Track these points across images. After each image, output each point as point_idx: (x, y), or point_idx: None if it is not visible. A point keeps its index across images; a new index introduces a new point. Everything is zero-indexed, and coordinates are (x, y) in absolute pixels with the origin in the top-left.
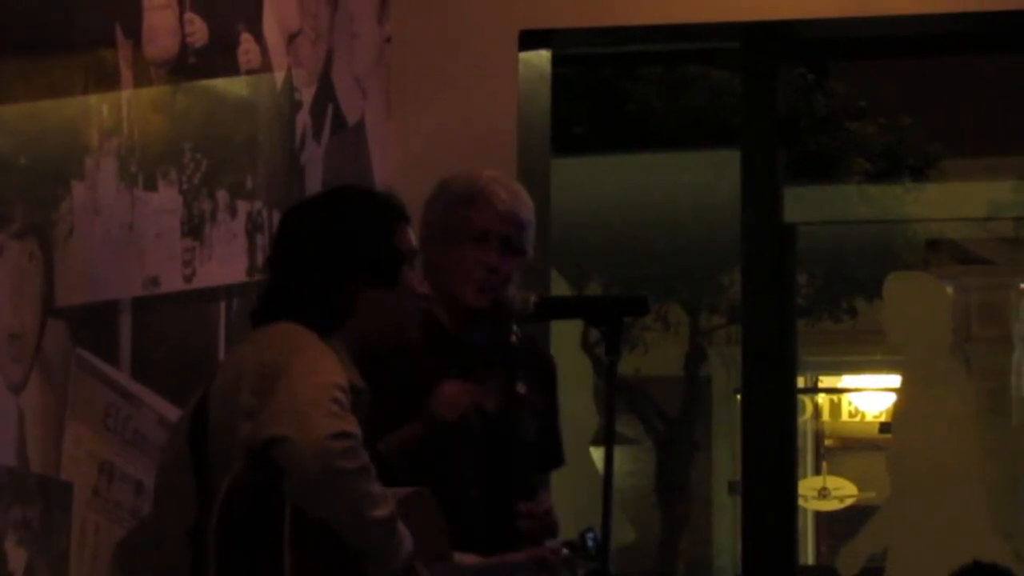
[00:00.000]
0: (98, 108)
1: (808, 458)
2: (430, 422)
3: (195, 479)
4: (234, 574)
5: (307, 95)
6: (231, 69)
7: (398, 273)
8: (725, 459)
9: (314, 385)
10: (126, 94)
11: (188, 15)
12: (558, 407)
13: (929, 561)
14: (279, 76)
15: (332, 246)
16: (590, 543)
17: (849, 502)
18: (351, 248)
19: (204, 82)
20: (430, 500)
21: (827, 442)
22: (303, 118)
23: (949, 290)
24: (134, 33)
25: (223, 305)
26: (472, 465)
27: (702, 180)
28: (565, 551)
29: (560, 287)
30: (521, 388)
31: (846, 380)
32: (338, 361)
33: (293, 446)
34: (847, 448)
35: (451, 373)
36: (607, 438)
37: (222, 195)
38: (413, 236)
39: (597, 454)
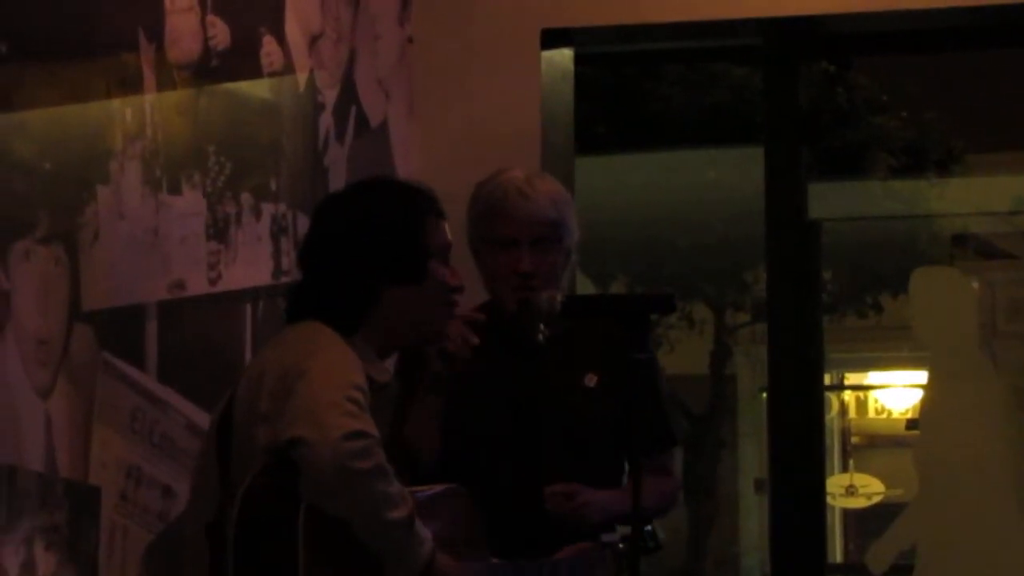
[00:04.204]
0: (122, 112)
1: (835, 456)
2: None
3: (219, 479)
4: (250, 571)
5: (330, 97)
6: (254, 71)
7: (424, 269)
8: (752, 457)
9: (331, 386)
10: (149, 98)
11: (210, 18)
12: (660, 391)
13: (958, 558)
14: (302, 78)
15: (354, 243)
16: (649, 539)
17: (877, 499)
18: (373, 245)
19: (227, 85)
20: (463, 497)
21: (854, 439)
22: (326, 120)
23: (975, 285)
24: (157, 36)
25: (249, 308)
26: (502, 462)
27: (725, 177)
28: (621, 545)
29: (585, 286)
30: (591, 380)
31: (872, 377)
32: (357, 359)
33: (309, 447)
34: (874, 445)
35: (513, 366)
36: (632, 440)
37: (246, 198)
38: (447, 229)
39: None
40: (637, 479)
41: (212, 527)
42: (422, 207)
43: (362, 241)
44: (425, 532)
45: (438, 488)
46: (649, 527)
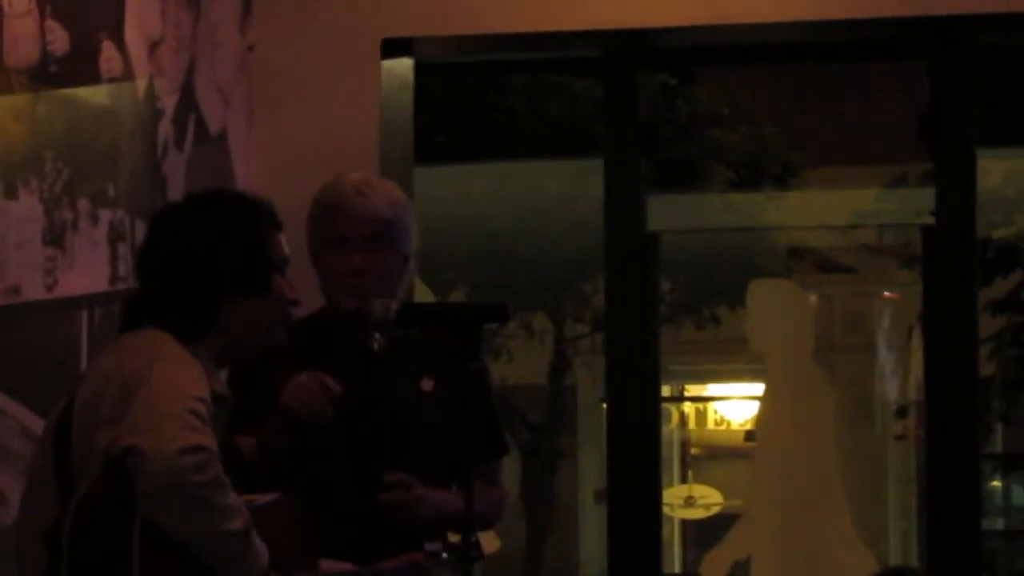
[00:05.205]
0: None
1: (674, 467)
2: (284, 418)
3: (57, 487)
4: None
5: (169, 104)
6: (92, 77)
7: (268, 282)
8: (591, 468)
9: (173, 396)
10: None
11: (49, 23)
12: (491, 401)
13: (791, 568)
14: (141, 84)
15: (198, 254)
16: (473, 549)
17: (715, 510)
18: (218, 257)
19: (65, 90)
20: (291, 507)
21: (693, 450)
22: (165, 127)
23: (812, 298)
24: None
25: (85, 314)
26: (336, 465)
27: (565, 189)
28: (445, 555)
29: (424, 295)
30: (427, 385)
31: (712, 388)
32: (201, 370)
33: (145, 458)
34: (713, 456)
35: (348, 372)
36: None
37: (84, 204)
38: (285, 243)
39: None
40: (468, 485)
41: (50, 534)
42: (264, 219)
43: (207, 253)
44: (261, 545)
45: (267, 497)
46: (475, 538)
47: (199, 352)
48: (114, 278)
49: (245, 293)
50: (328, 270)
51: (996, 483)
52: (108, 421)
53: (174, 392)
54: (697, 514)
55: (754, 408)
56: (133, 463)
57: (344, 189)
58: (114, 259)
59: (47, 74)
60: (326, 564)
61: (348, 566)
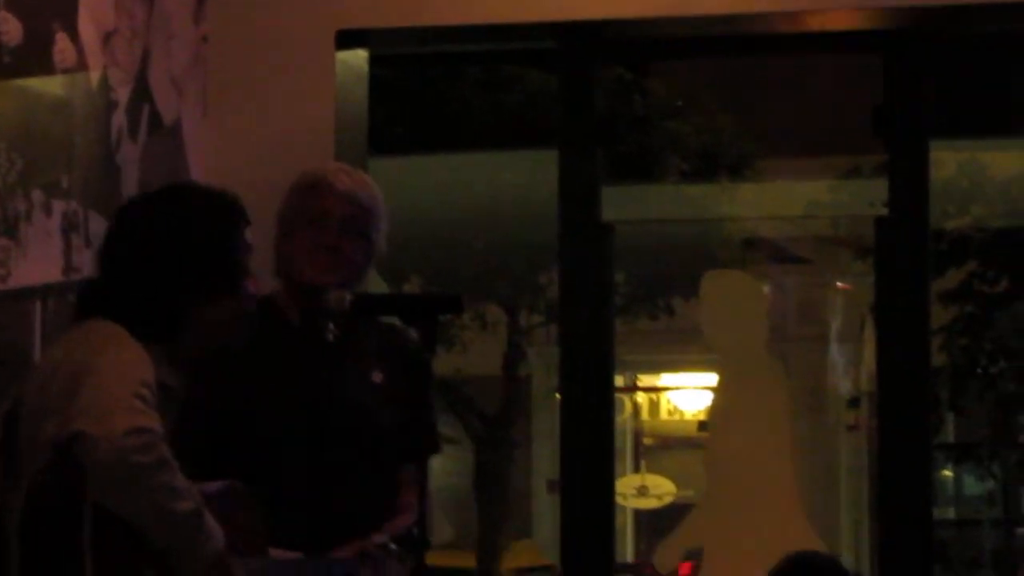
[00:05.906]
0: None
1: (627, 457)
2: None
3: (3, 478)
4: (36, 571)
5: (123, 94)
6: (46, 68)
7: (238, 287)
8: (545, 458)
9: (119, 383)
10: None
11: (2, 14)
12: (430, 398)
13: (744, 558)
14: (95, 75)
15: (168, 258)
16: (415, 535)
17: (668, 500)
18: (188, 264)
19: (19, 81)
20: (242, 493)
21: (646, 440)
22: (119, 118)
23: (766, 288)
24: None
25: (39, 305)
26: (289, 455)
27: (520, 180)
28: (393, 546)
29: (379, 286)
30: (377, 377)
31: (665, 379)
32: (148, 358)
33: (91, 442)
34: (666, 446)
35: (299, 364)
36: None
37: (37, 195)
38: (250, 235)
39: None
40: (423, 478)
41: None
42: (234, 219)
43: (176, 258)
44: (215, 527)
45: (219, 484)
46: (416, 529)
47: (153, 347)
48: (67, 269)
49: (213, 300)
50: (301, 245)
51: (948, 473)
52: (55, 411)
53: (120, 378)
54: (650, 504)
55: (707, 398)
56: (79, 448)
57: (329, 168)
58: (67, 250)
59: (0, 65)
60: (274, 553)
61: (296, 555)
